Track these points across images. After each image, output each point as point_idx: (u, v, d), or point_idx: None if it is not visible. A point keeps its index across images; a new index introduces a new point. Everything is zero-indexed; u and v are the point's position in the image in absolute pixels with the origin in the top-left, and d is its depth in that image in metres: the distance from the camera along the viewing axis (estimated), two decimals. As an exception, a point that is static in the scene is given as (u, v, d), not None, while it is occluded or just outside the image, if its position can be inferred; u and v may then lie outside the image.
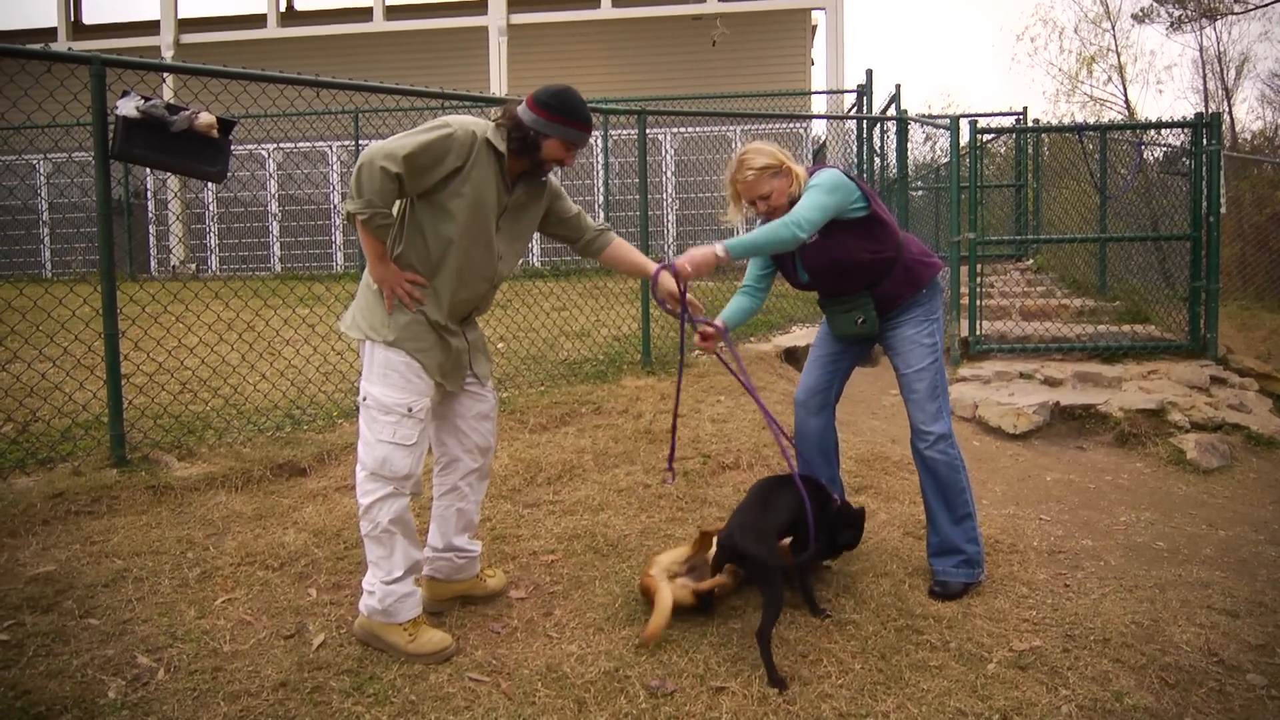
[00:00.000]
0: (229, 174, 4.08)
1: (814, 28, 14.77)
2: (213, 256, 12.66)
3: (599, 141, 10.53)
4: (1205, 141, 6.57)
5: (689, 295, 2.84)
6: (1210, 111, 6.94)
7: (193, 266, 12.09)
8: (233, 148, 4.09)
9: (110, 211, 3.80)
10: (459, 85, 6.50)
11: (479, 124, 2.57)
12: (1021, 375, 6.23)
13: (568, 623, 2.81)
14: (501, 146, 2.56)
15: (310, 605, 2.85)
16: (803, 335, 7.05)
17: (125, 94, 3.78)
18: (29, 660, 2.45)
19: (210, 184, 11.46)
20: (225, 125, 3.97)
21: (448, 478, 2.84)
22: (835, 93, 12.17)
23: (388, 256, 2.57)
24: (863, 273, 3.03)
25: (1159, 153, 7.62)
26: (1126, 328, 6.94)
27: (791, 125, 12.34)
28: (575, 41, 13.72)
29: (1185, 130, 6.89)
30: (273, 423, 4.42)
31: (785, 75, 13.16)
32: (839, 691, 2.41)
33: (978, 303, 6.72)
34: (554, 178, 2.85)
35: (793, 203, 2.99)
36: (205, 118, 3.88)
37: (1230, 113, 21.32)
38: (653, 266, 2.87)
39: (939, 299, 3.19)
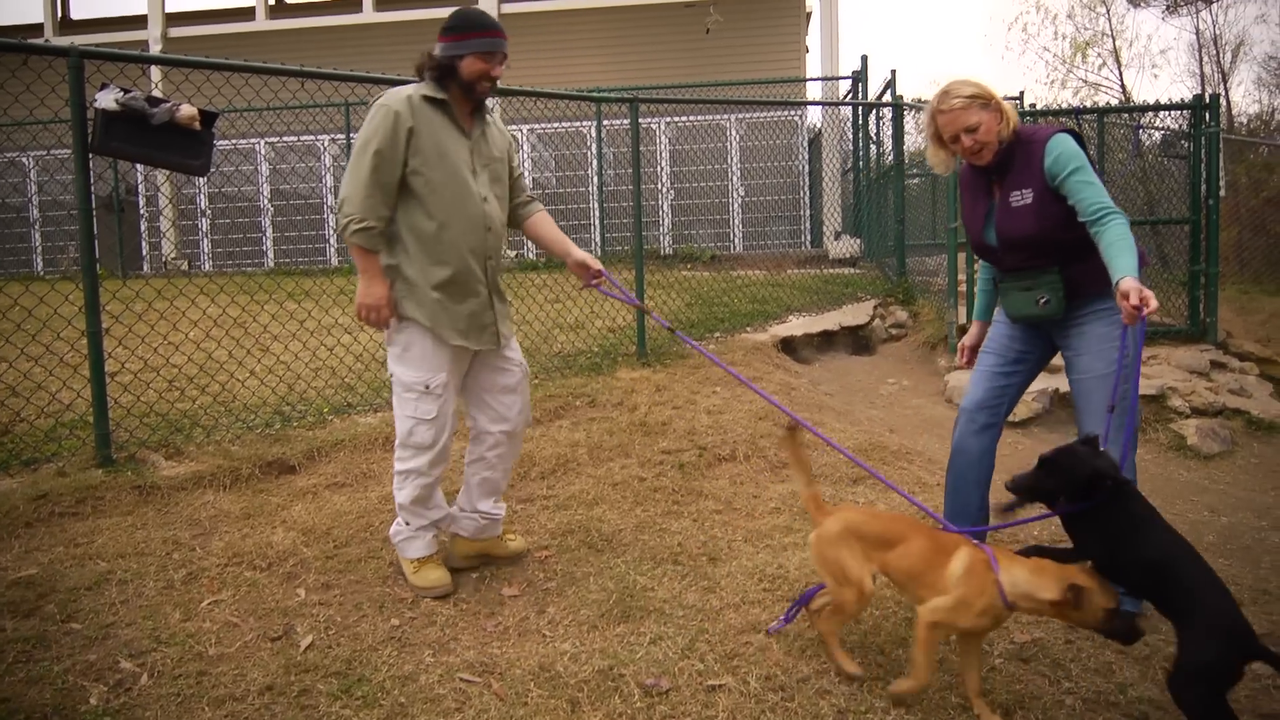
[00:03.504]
0: (212, 167, 4.00)
1: (808, 15, 14.65)
2: (204, 253, 12.57)
3: (593, 131, 10.43)
4: (1204, 123, 6.50)
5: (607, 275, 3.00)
6: (1209, 95, 6.88)
7: (184, 263, 12.00)
8: (223, 142, 4.03)
9: (90, 207, 3.72)
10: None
11: (409, 87, 2.70)
12: (1020, 362, 6.17)
13: (561, 620, 2.76)
14: (439, 94, 2.67)
15: (298, 606, 2.79)
16: (800, 325, 6.99)
17: (104, 87, 3.70)
18: (8, 666, 2.39)
19: (201, 179, 11.40)
20: (207, 118, 3.89)
21: (476, 448, 2.99)
22: (830, 79, 12.06)
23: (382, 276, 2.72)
24: (1057, 250, 2.67)
25: (1157, 136, 7.56)
26: (1125, 313, 6.87)
27: (787, 113, 12.26)
28: (568, 30, 13.59)
29: (1184, 113, 6.82)
30: (262, 420, 4.36)
31: (780, 62, 13.04)
32: (837, 688, 2.35)
33: (974, 289, 6.65)
34: (505, 129, 2.93)
35: (1002, 143, 2.70)
36: (186, 110, 3.80)
37: (1227, 96, 21.22)
38: (576, 251, 2.95)
39: None
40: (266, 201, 12.55)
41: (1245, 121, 20.72)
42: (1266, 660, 1.97)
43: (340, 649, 2.55)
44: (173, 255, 12.04)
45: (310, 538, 3.24)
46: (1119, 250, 2.44)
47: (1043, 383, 5.64)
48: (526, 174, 3.09)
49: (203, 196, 12.42)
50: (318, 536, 3.26)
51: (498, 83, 2.74)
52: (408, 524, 2.93)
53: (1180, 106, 6.87)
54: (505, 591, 2.95)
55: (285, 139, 10.69)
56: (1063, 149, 2.64)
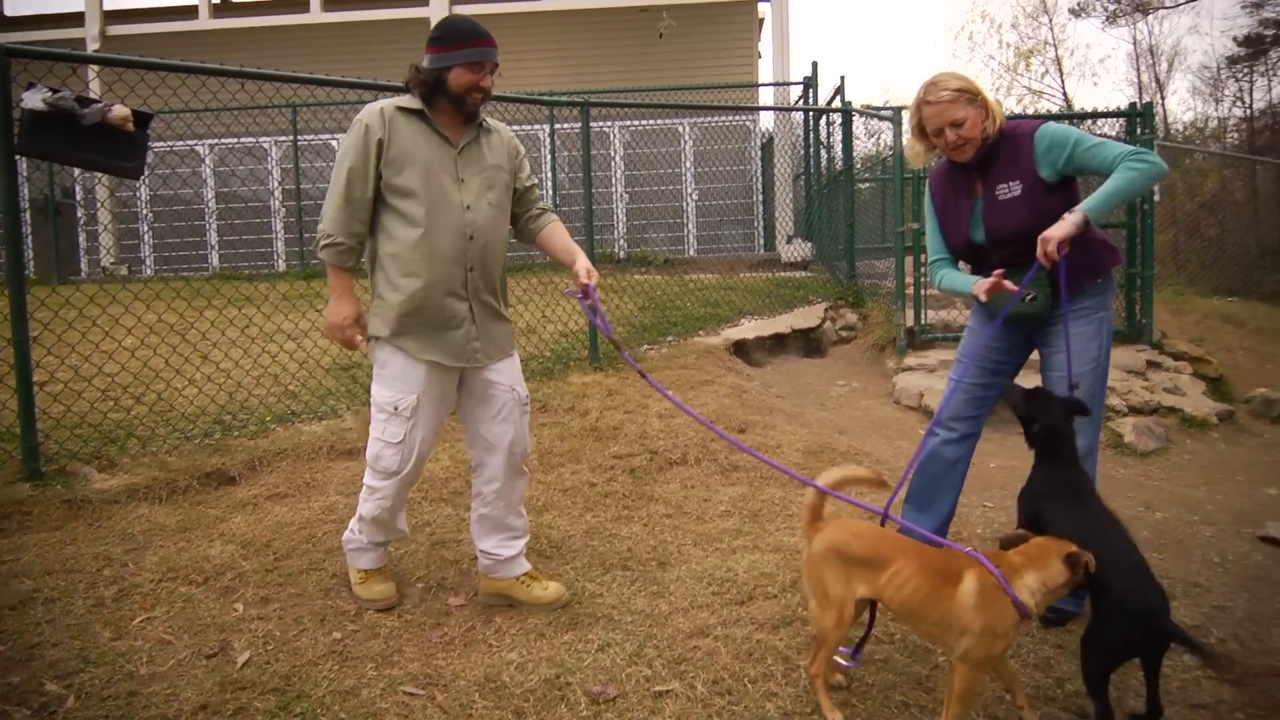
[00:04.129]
0: (150, 169, 3.88)
1: (760, 21, 14.80)
2: (145, 257, 12.20)
3: (545, 135, 10.39)
4: (1140, 131, 6.71)
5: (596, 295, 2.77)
6: (1144, 103, 7.10)
7: (123, 267, 11.64)
8: (162, 144, 3.91)
9: (17, 210, 3.59)
10: (400, 77, 6.30)
11: (388, 99, 2.66)
12: (966, 363, 6.29)
13: (508, 629, 2.73)
14: (415, 104, 2.62)
15: (235, 621, 2.71)
16: (752, 328, 7.03)
17: (31, 86, 3.57)
18: (-77, 693, 2.28)
19: (139, 181, 11.07)
20: (142, 119, 3.77)
21: (474, 481, 2.87)
22: (781, 85, 12.19)
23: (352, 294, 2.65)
24: None
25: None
26: (1066, 314, 7.04)
27: (740, 118, 12.35)
28: (520, 33, 13.51)
29: (1120, 120, 7.03)
30: (201, 430, 4.23)
31: (732, 68, 13.15)
32: (784, 690, 2.36)
33: (922, 292, 6.78)
34: (511, 138, 2.84)
35: (986, 140, 2.69)
36: (119, 111, 3.68)
37: (1163, 104, 22.03)
38: (581, 259, 2.78)
39: (1111, 295, 2.80)
40: (210, 204, 12.23)
41: (1180, 129, 21.51)
42: (1178, 642, 2.14)
43: (279, 664, 2.49)
44: (111, 260, 11.66)
45: (249, 550, 3.16)
46: (1103, 189, 2.50)
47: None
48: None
49: (142, 199, 12.05)
50: (257, 549, 3.17)
51: (490, 91, 2.64)
52: (362, 534, 2.86)
53: (1117, 114, 7.08)
54: (451, 601, 2.91)
55: (226, 141, 10.43)
56: (1054, 134, 2.65)
